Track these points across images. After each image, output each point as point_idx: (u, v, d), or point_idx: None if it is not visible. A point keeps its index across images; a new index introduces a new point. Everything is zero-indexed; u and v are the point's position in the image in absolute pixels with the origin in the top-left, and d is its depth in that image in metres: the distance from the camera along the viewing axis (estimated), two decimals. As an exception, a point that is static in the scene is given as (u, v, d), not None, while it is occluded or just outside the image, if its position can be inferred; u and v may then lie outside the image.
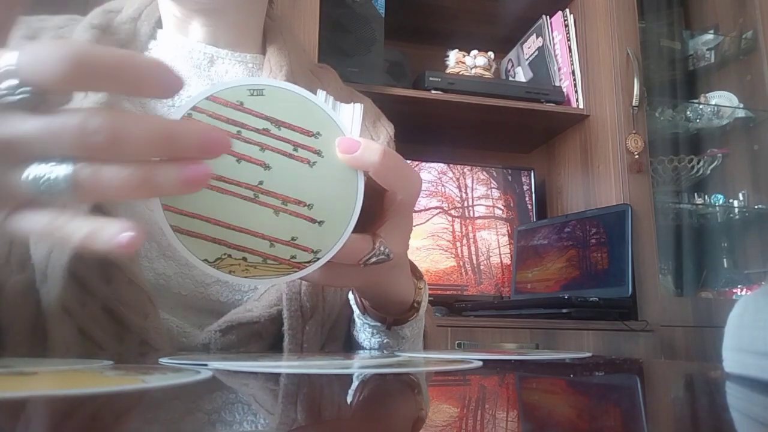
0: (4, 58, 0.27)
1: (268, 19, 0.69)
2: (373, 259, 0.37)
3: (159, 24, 0.63)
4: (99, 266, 0.46)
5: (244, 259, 0.34)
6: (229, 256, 0.33)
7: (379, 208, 0.39)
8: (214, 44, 0.62)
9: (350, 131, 0.35)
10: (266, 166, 0.34)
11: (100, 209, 0.46)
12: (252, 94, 0.34)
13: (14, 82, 0.27)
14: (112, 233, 0.28)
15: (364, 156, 0.35)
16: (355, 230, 0.35)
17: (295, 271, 0.34)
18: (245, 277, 0.34)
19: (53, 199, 0.29)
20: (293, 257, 0.34)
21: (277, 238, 0.34)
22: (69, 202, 0.29)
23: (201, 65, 0.61)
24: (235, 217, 0.33)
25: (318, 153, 0.34)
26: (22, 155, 0.28)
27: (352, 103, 0.39)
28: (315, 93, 0.35)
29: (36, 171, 0.27)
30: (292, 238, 0.34)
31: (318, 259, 0.35)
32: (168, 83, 0.28)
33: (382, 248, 0.37)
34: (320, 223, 0.34)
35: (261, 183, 0.34)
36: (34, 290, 0.45)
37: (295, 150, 0.34)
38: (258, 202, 0.34)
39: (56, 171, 0.27)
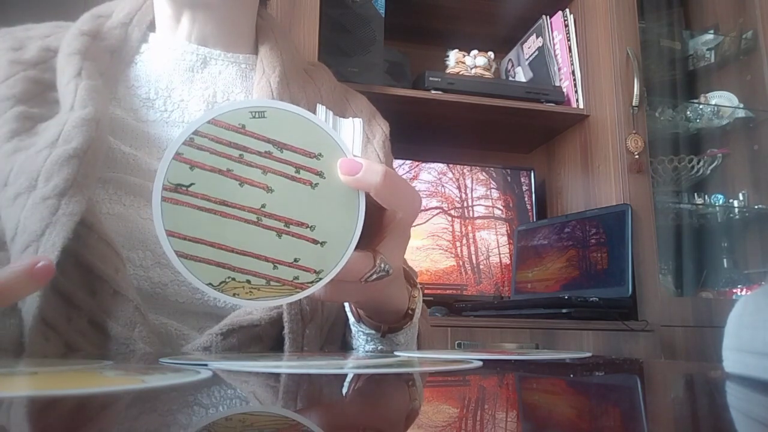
0: None
1: (260, 18, 0.68)
2: (374, 276, 0.37)
3: (151, 27, 0.63)
4: (82, 279, 0.46)
5: (248, 281, 0.34)
6: (233, 279, 0.34)
7: (379, 224, 0.39)
8: (205, 44, 0.62)
9: (351, 150, 0.36)
10: (269, 189, 0.34)
11: (85, 222, 0.46)
12: (254, 117, 0.34)
13: None
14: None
15: (366, 177, 0.35)
16: (356, 247, 0.35)
17: (298, 292, 0.35)
18: (249, 299, 0.34)
19: None
20: (296, 278, 0.34)
21: (280, 260, 0.34)
22: None
23: (194, 67, 0.61)
24: (238, 240, 0.34)
25: (320, 174, 0.35)
26: None
27: (351, 119, 0.39)
28: (313, 105, 0.35)
29: None
30: (295, 260, 0.34)
31: (320, 279, 0.35)
32: (39, 276, 0.32)
33: (382, 265, 0.37)
34: (322, 243, 0.35)
35: (264, 206, 0.34)
36: (16, 309, 0.44)
37: (297, 172, 0.34)
38: (261, 225, 0.34)
39: None
